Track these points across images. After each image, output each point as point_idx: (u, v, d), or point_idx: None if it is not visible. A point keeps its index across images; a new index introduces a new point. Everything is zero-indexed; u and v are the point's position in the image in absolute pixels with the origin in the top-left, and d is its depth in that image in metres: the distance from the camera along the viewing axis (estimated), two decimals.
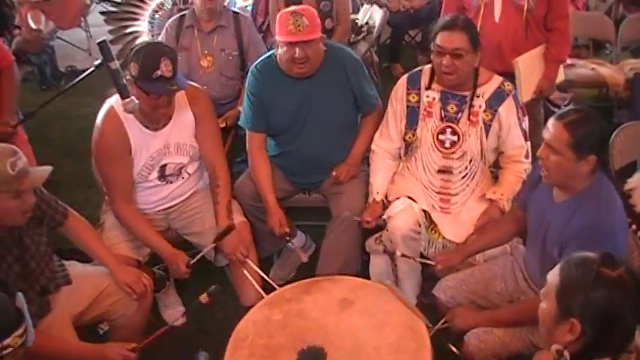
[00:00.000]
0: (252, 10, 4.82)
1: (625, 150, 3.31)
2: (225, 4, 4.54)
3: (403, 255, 2.89)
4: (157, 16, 4.76)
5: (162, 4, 4.80)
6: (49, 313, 2.50)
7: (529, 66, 3.40)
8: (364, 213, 3.07)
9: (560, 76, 3.62)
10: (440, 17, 3.41)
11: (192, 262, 2.86)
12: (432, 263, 2.81)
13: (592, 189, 2.27)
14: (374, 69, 5.59)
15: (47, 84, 6.37)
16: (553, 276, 1.76)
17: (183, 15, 3.95)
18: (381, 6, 5.64)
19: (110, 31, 4.71)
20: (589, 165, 2.23)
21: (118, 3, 4.76)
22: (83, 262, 2.81)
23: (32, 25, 6.07)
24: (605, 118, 4.48)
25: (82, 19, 6.87)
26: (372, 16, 5.59)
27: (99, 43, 2.45)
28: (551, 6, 3.39)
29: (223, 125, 3.66)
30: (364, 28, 5.35)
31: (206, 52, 3.84)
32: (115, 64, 2.31)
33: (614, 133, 3.30)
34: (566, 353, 1.70)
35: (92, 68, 2.67)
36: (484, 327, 2.49)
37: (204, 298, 2.52)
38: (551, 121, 2.28)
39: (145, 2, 4.78)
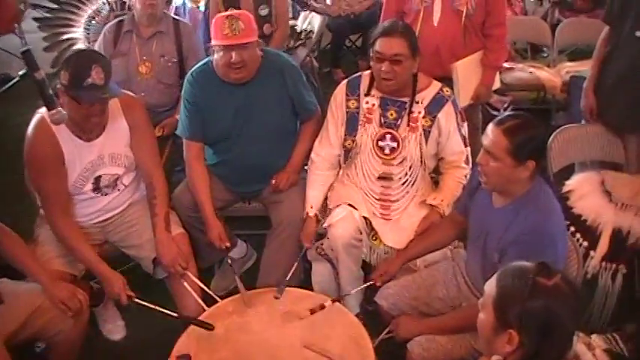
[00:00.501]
0: (206, 10, 4.69)
1: (562, 152, 3.36)
2: (174, 5, 4.48)
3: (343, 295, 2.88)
4: (93, 22, 4.67)
5: (98, 10, 4.71)
6: None
7: (467, 71, 3.42)
8: (300, 235, 3.04)
9: (496, 84, 3.65)
10: (380, 22, 3.41)
11: (134, 299, 2.73)
12: (370, 283, 2.80)
13: (531, 194, 2.28)
14: (314, 74, 5.56)
15: None
16: (490, 287, 1.76)
17: (122, 20, 3.87)
18: (318, 13, 5.62)
19: (45, 38, 4.59)
20: (528, 170, 2.24)
21: (53, 9, 4.65)
22: (16, 278, 2.70)
23: None
24: (543, 120, 4.59)
25: (16, 25, 6.67)
26: (312, 21, 5.57)
27: (22, 52, 2.35)
28: (490, 13, 3.41)
29: (160, 134, 3.60)
30: (303, 34, 5.32)
31: (145, 57, 3.77)
32: (41, 74, 2.20)
33: (552, 136, 3.34)
34: None
35: (17, 78, 2.57)
36: (427, 335, 2.48)
37: None
38: (490, 127, 2.29)
39: (80, 8, 4.69)
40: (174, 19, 3.91)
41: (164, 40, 3.79)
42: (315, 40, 5.53)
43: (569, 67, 4.93)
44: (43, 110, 2.75)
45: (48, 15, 4.67)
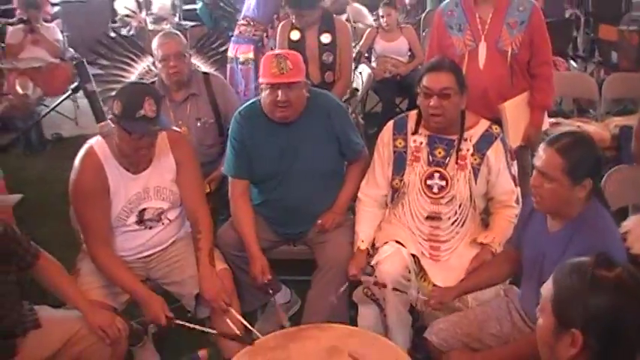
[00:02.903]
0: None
1: (616, 194, 3.22)
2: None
3: (394, 289, 2.78)
4: (144, 80, 4.77)
5: (149, 68, 4.83)
6: (14, 357, 2.36)
7: (516, 112, 3.36)
8: (349, 266, 2.96)
9: (545, 124, 3.58)
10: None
11: (174, 320, 2.72)
12: (426, 298, 2.71)
13: (587, 215, 2.18)
14: (360, 133, 5.55)
15: (32, 150, 6.30)
16: (547, 288, 1.63)
17: (153, 82, 3.72)
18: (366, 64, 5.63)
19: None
20: (585, 190, 2.16)
21: (105, 66, 4.78)
22: (55, 307, 2.68)
23: (19, 90, 6.13)
24: None
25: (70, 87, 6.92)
26: (357, 80, 5.60)
27: (76, 64, 2.41)
28: (535, 52, 3.37)
29: (208, 190, 3.51)
30: (348, 92, 5.34)
31: (180, 122, 3.63)
32: (92, 86, 2.25)
33: (605, 177, 3.23)
34: None
35: (68, 92, 2.62)
36: None
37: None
38: (542, 147, 2.20)
39: (131, 66, 4.81)
40: (204, 74, 3.81)
41: (198, 102, 3.68)
42: (361, 97, 5.55)
43: (618, 121, 4.79)
44: (92, 140, 2.78)
45: (100, 72, 4.81)
